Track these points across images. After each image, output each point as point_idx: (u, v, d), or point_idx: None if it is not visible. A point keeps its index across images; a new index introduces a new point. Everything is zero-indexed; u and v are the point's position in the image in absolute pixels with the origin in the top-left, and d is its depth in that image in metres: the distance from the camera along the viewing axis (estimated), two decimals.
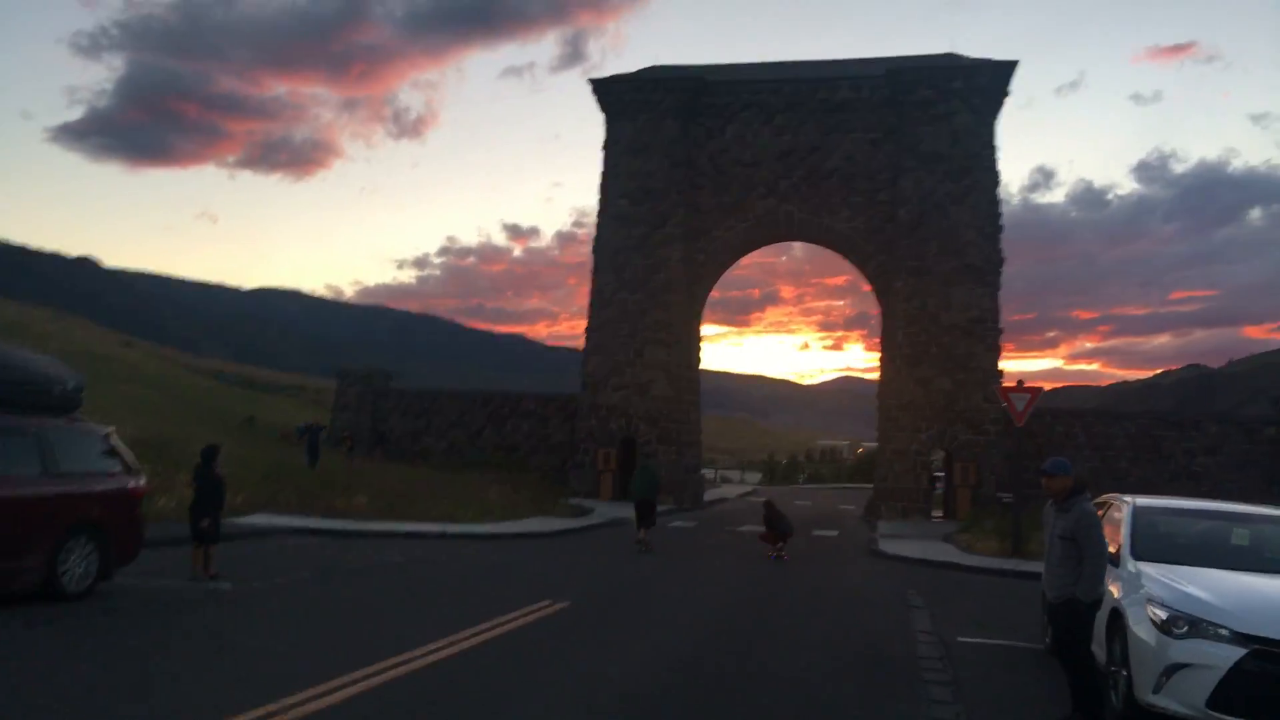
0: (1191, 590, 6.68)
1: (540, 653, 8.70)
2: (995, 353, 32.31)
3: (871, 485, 51.31)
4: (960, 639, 10.38)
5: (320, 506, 20.87)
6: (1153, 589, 6.91)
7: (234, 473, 23.50)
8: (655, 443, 33.50)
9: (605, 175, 35.80)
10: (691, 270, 35.12)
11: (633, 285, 34.47)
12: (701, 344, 37.88)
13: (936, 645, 9.87)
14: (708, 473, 71.40)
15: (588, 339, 34.99)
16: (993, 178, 33.00)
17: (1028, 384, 22.26)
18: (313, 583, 12.38)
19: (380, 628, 9.40)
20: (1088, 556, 6.54)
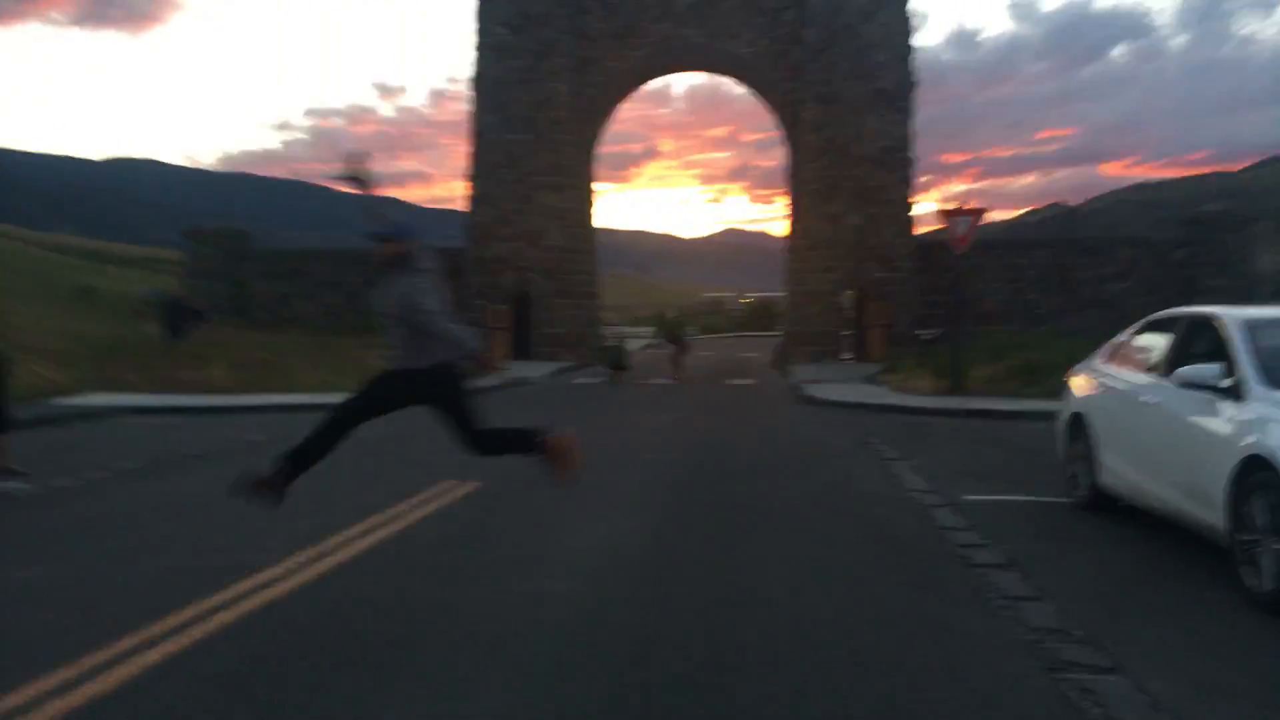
0: None
1: (440, 560, 6.32)
2: (908, 184, 30.60)
3: (765, 334, 50.24)
4: (966, 497, 8.47)
5: (168, 382, 17.74)
6: None
7: (65, 348, 20.09)
8: (552, 296, 30.92)
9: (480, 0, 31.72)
10: (582, 106, 31.83)
11: (518, 124, 31.06)
12: (596, 191, 34.96)
13: (948, 508, 7.92)
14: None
15: (472, 187, 31.67)
16: None
17: (960, 209, 20.36)
18: (139, 476, 9.63)
19: (213, 539, 6.84)
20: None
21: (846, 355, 30.72)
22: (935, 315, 29.53)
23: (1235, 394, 5.75)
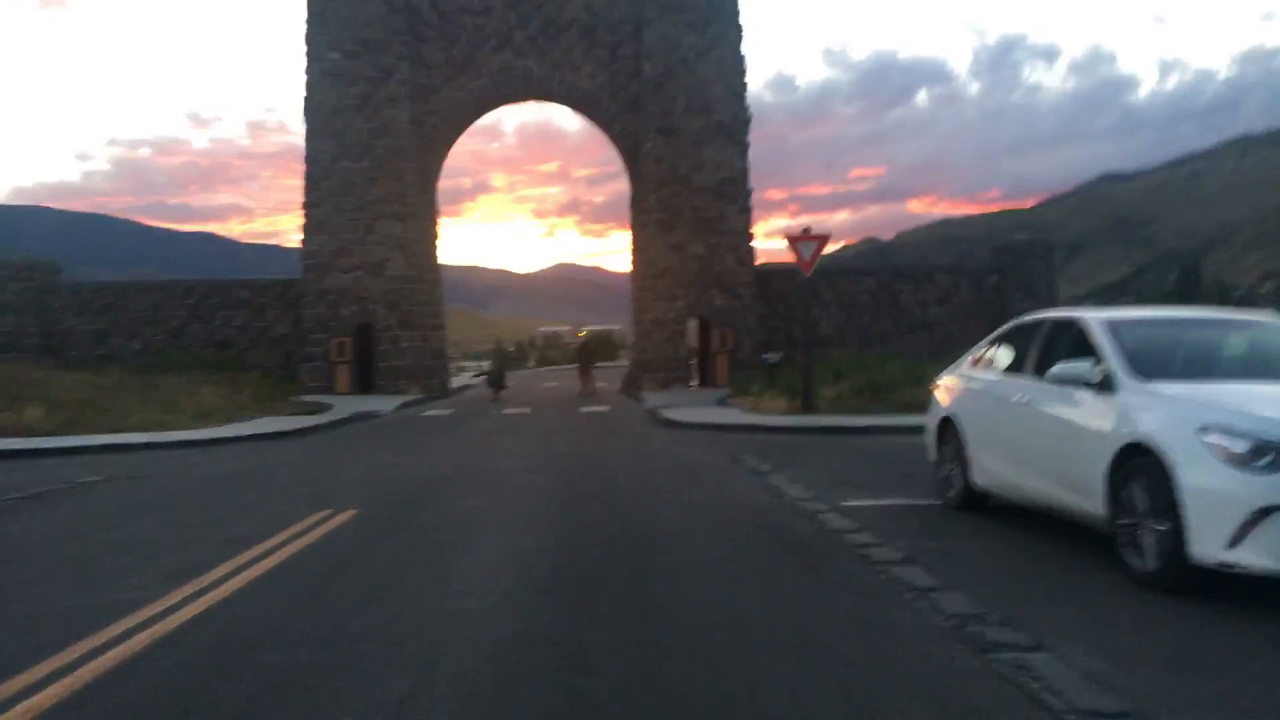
0: (1269, 413, 5.14)
1: (343, 586, 5.97)
2: (747, 214, 31.56)
3: (607, 364, 50.59)
4: (846, 503, 8.73)
5: None
6: (1208, 415, 5.31)
7: None
8: (396, 328, 30.07)
9: (310, 22, 30.78)
10: (422, 135, 31.30)
11: (356, 152, 30.22)
12: (438, 221, 34.34)
13: (834, 513, 8.13)
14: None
15: (307, 215, 30.49)
16: (737, 30, 31.56)
17: (803, 235, 21.09)
18: None
19: (78, 579, 6.22)
20: None
21: (693, 382, 31.30)
22: (776, 340, 30.54)
23: (1106, 387, 6.17)
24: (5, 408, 17.27)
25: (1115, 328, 6.58)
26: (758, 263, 32.29)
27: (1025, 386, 7.19)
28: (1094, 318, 6.86)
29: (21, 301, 30.47)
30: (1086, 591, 5.55)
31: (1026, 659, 4.29)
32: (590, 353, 37.42)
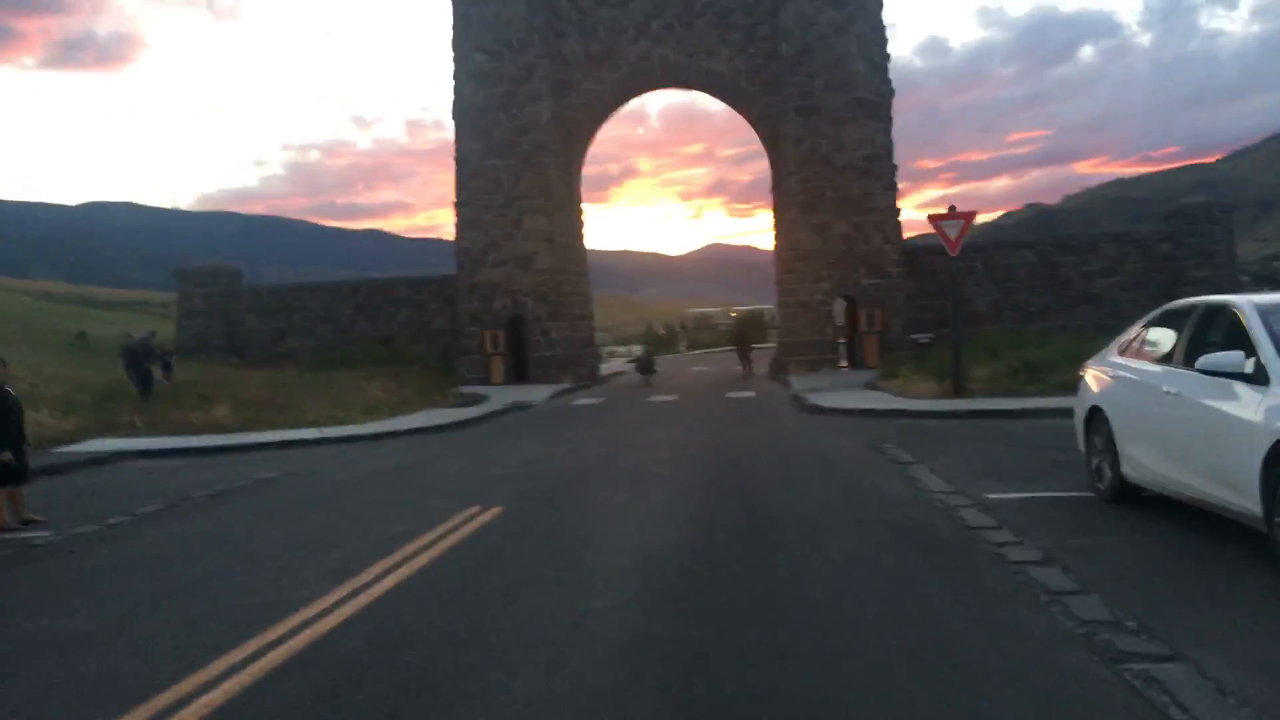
0: None
1: (479, 586, 6.31)
2: (893, 191, 30.80)
3: (760, 346, 50.64)
4: (989, 495, 8.53)
5: (171, 424, 17.67)
6: None
7: (64, 395, 19.96)
8: (545, 319, 30.94)
9: (456, 27, 31.86)
10: (564, 129, 31.98)
11: (502, 150, 31.15)
12: (583, 209, 35.06)
13: (974, 507, 7.97)
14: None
15: (458, 214, 31.69)
16: (877, 1, 30.73)
17: (948, 213, 20.46)
18: (160, 518, 9.57)
19: (248, 576, 6.81)
20: None
21: (842, 363, 30.86)
22: (926, 319, 29.69)
23: (1259, 379, 5.82)
24: (197, 406, 18.82)
25: (1270, 315, 6.18)
26: (907, 238, 31.48)
27: (1175, 376, 6.84)
28: (1248, 303, 6.46)
29: (209, 305, 33.00)
30: (1235, 595, 5.29)
31: (1158, 670, 4.17)
32: (745, 334, 37.40)
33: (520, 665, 4.61)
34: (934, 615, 5.11)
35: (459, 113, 31.71)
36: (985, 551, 6.46)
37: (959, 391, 18.21)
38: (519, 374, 30.53)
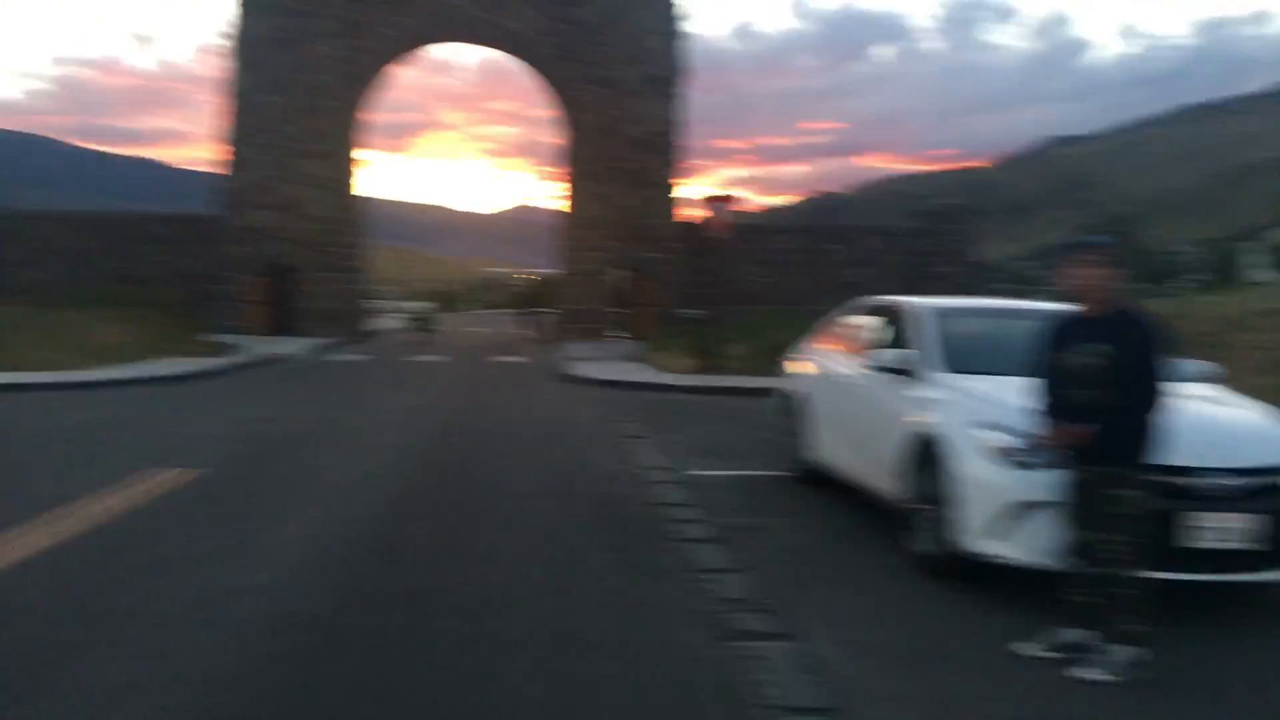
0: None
1: (131, 557, 5.91)
2: (677, 168, 31.39)
3: (548, 310, 50.69)
4: (698, 473, 8.84)
5: None
6: (985, 409, 5.44)
7: None
8: (316, 268, 29.60)
9: None
10: (351, 71, 30.51)
11: (281, 87, 29.42)
12: (363, 160, 33.64)
13: (677, 485, 8.22)
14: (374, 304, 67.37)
15: (228, 151, 29.69)
16: None
17: (718, 197, 21.06)
18: None
19: None
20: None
21: (619, 334, 31.33)
22: (703, 296, 30.54)
23: (917, 376, 6.28)
24: None
25: (928, 317, 6.68)
26: (696, 214, 32.19)
27: (853, 368, 7.29)
28: (918, 305, 6.96)
29: None
30: (866, 574, 5.72)
31: (767, 648, 4.40)
32: (537, 298, 37.27)
33: (133, 647, 4.32)
34: (586, 594, 5.20)
35: (237, 42, 29.66)
36: (665, 530, 6.65)
37: (713, 368, 18.87)
38: (281, 325, 29.07)
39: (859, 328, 7.74)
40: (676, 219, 31.34)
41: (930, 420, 5.76)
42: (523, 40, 31.24)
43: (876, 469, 6.59)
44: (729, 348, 20.09)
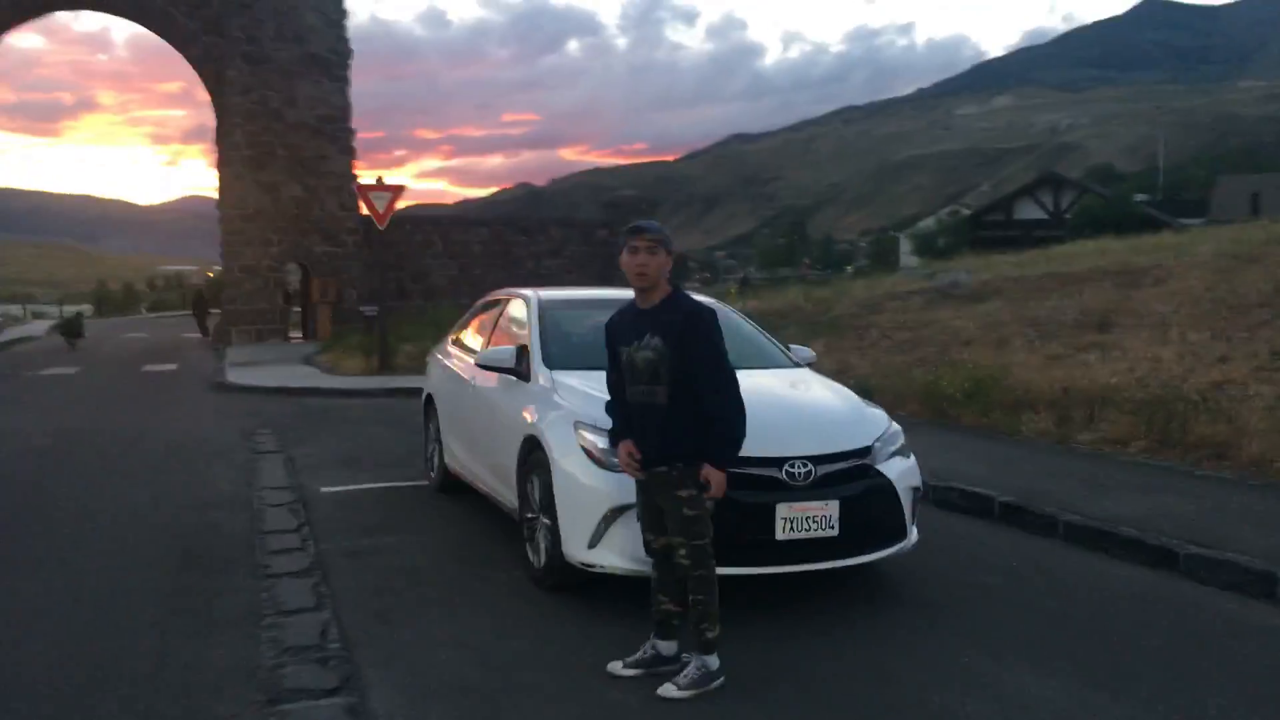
0: None
1: None
2: (349, 155, 29.66)
3: (218, 311, 46.80)
4: (326, 488, 7.98)
5: None
6: (580, 408, 5.06)
7: None
8: None
9: None
10: None
11: None
12: None
13: (290, 507, 7.30)
14: (14, 309, 59.25)
15: None
16: None
17: (378, 185, 19.80)
18: None
19: None
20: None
21: (295, 335, 29.30)
22: (385, 291, 29.16)
23: (523, 374, 5.82)
24: None
25: (534, 310, 6.24)
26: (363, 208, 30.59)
27: (470, 368, 6.76)
28: (531, 297, 6.51)
29: None
30: (484, 596, 5.19)
31: (311, 709, 3.72)
32: (204, 299, 34.01)
33: None
34: (115, 657, 4.26)
35: None
36: (250, 563, 5.77)
37: (385, 368, 17.84)
38: None
39: (479, 323, 7.22)
40: (353, 210, 29.67)
41: (535, 422, 5.31)
42: (156, 10, 28.06)
43: (494, 475, 6.10)
44: (409, 345, 19.10)
